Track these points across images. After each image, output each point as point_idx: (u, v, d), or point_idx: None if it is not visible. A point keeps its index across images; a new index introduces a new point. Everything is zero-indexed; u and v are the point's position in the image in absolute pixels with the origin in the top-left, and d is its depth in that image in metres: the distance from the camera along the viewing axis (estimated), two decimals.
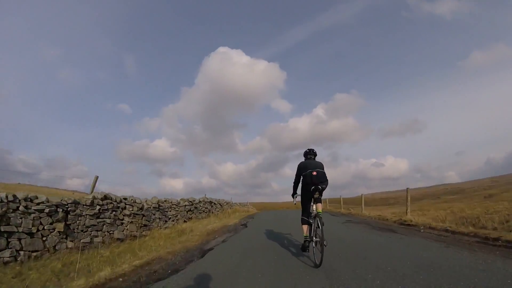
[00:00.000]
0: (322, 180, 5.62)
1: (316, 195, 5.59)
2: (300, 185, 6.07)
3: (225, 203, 25.02)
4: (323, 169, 5.82)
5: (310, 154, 6.14)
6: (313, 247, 5.39)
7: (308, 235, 5.69)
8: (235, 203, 29.15)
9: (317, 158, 6.21)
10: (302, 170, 5.88)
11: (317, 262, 4.94)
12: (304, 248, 5.71)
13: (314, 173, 5.60)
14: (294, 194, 6.29)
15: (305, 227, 5.83)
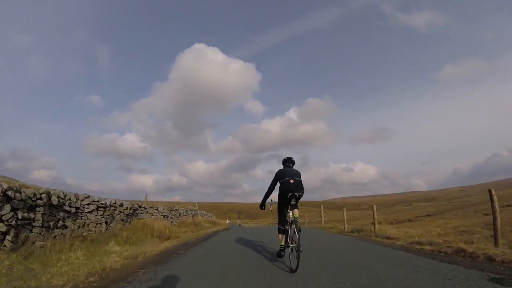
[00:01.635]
0: (299, 188, 5.89)
1: (293, 202, 5.79)
2: (278, 192, 6.16)
3: (186, 211, 22.15)
4: (300, 177, 6.07)
5: (288, 162, 6.40)
6: (289, 252, 5.49)
7: (284, 243, 5.89)
8: (194, 212, 25.84)
9: (295, 166, 6.53)
10: (280, 177, 6.08)
11: (293, 268, 5.04)
12: (280, 255, 6.11)
13: (292, 181, 5.86)
14: (265, 199, 6.54)
15: (281, 236, 6.09)
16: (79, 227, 9.97)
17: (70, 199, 9.81)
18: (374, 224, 13.50)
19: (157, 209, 15.81)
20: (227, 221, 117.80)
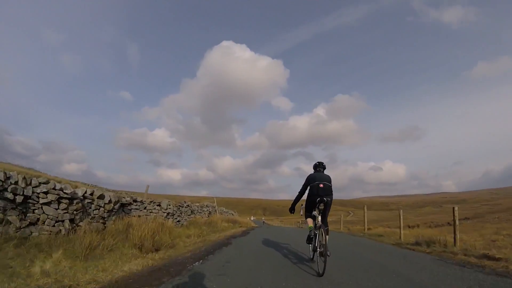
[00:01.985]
0: (327, 193, 5.89)
1: (321, 206, 5.79)
2: (306, 195, 6.18)
3: (201, 208, 18.71)
4: (330, 182, 6.06)
5: (319, 167, 6.35)
6: (317, 257, 5.46)
7: (312, 226, 5.87)
8: (211, 208, 22.20)
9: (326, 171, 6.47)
10: (310, 181, 6.11)
11: (320, 272, 5.08)
12: (309, 239, 5.94)
13: (321, 185, 5.89)
14: (295, 203, 6.56)
15: (309, 220, 6.05)
16: (29, 224, 6.77)
17: (16, 183, 6.58)
18: (455, 234, 9.34)
19: (159, 205, 12.41)
20: (252, 218, 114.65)
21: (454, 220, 9.60)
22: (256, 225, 43.03)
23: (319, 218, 5.79)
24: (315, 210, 5.92)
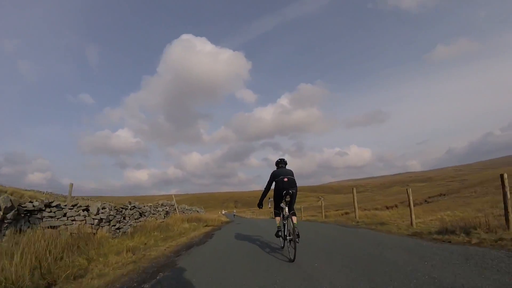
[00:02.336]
0: (292, 185, 6.34)
1: (287, 199, 6.14)
2: (273, 190, 6.57)
3: (155, 208, 15.49)
4: (293, 176, 6.53)
5: (281, 163, 6.82)
6: (288, 245, 5.94)
7: (280, 225, 6.44)
8: (169, 208, 18.87)
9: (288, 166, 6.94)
10: (275, 177, 6.52)
11: (291, 257, 5.49)
12: (277, 235, 6.60)
13: (285, 179, 6.34)
14: (262, 198, 6.91)
15: (277, 218, 6.66)
16: None
17: None
18: (507, 213, 6.55)
19: (86, 209, 9.17)
20: (223, 212, 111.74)
21: (506, 208, 6.66)
22: (227, 219, 40.08)
23: (286, 209, 6.16)
24: (282, 202, 6.32)
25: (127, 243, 8.35)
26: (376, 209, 38.16)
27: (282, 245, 6.76)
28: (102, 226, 9.62)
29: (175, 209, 17.90)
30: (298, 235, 5.47)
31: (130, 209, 12.04)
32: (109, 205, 10.59)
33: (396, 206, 39.27)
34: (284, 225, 6.20)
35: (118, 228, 10.44)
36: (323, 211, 21.59)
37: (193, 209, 24.01)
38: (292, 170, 6.68)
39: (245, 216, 78.75)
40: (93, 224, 9.26)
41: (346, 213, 42.41)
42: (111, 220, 10.14)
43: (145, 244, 8.73)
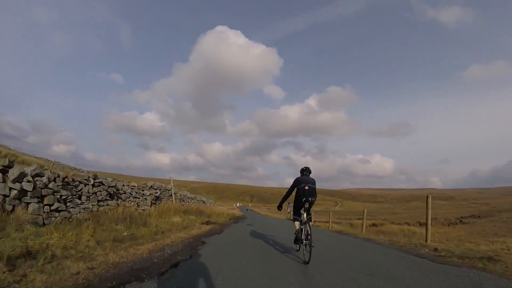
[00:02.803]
0: (312, 194, 6.57)
1: (306, 206, 6.41)
2: (294, 196, 6.80)
3: (141, 190, 11.50)
4: (314, 185, 6.75)
5: (305, 171, 6.95)
6: (303, 248, 6.17)
7: (299, 229, 6.52)
8: (160, 193, 14.62)
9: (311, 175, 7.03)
10: (297, 183, 6.75)
11: (306, 260, 5.76)
12: (296, 240, 6.62)
13: (307, 187, 6.55)
14: (282, 202, 7.20)
15: (296, 223, 6.71)
16: None
17: None
18: None
19: (2, 172, 5.45)
20: (237, 204, 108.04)
21: None
22: (239, 214, 35.91)
23: (305, 215, 6.42)
24: (302, 209, 6.48)
25: (33, 243, 4.55)
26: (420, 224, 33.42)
27: (298, 249, 6.93)
28: (26, 203, 5.89)
29: (172, 195, 14.07)
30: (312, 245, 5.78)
31: (94, 185, 8.25)
32: (53, 172, 6.82)
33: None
34: (301, 230, 6.41)
35: (58, 211, 6.64)
36: (364, 221, 16.19)
37: (197, 198, 19.92)
38: (314, 179, 6.88)
39: (259, 212, 74.33)
40: (7, 196, 5.54)
41: (374, 224, 37.49)
42: (46, 196, 6.36)
43: (72, 248, 4.90)
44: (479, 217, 52.81)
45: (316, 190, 6.77)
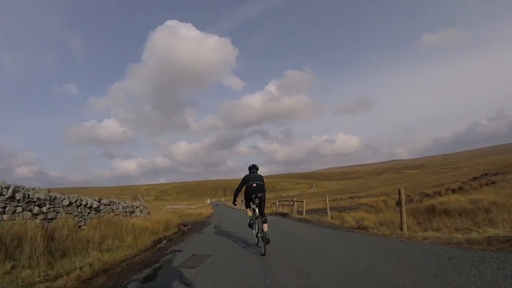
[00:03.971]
0: (260, 190, 7.12)
1: (256, 201, 6.99)
2: (244, 191, 7.31)
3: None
4: (262, 181, 7.32)
5: (253, 168, 7.53)
6: (260, 241, 6.89)
7: (252, 215, 7.26)
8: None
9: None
10: (245, 181, 7.31)
11: (263, 252, 6.47)
12: (250, 225, 7.53)
13: (254, 184, 7.13)
14: (235, 197, 7.82)
15: (248, 210, 7.48)
16: None
17: None
18: None
19: None
20: (208, 201, 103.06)
21: None
22: (210, 212, 35.08)
23: (257, 210, 7.00)
24: (253, 204, 7.05)
25: None
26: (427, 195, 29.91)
27: (257, 242, 7.32)
28: None
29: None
30: (268, 240, 6.43)
31: None
32: None
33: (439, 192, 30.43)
34: (255, 223, 7.15)
35: None
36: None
37: (113, 207, 12.49)
38: (262, 175, 7.47)
39: (232, 205, 70.51)
40: None
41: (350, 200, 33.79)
42: None
43: None
44: (494, 175, 41.32)
45: (265, 186, 7.35)
